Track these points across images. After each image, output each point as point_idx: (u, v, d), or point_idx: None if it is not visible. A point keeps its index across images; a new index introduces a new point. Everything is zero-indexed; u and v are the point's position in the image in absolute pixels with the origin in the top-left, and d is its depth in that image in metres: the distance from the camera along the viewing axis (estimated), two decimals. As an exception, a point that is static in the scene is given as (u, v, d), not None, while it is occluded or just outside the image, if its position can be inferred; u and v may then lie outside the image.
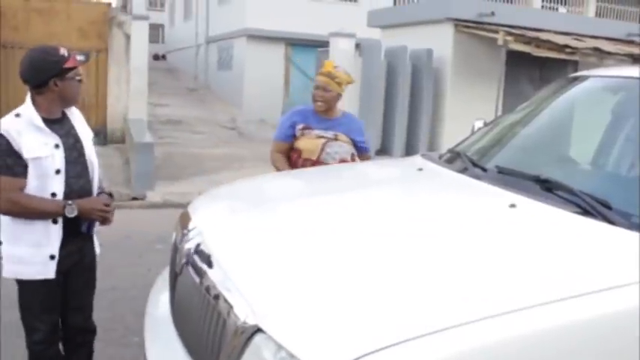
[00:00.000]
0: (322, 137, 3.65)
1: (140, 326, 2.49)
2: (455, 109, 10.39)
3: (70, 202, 2.57)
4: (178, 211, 2.82)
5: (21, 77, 2.64)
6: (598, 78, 2.99)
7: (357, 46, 11.20)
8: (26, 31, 10.17)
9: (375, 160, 3.47)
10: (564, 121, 2.99)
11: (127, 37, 10.55)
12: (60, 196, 2.59)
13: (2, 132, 2.50)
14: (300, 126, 3.70)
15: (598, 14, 14.61)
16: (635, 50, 10.13)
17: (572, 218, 1.99)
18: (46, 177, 2.56)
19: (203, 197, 2.84)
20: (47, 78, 2.57)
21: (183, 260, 2.18)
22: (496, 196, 2.26)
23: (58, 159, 2.59)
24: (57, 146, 2.59)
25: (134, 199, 7.70)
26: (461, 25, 10.24)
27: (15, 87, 10.07)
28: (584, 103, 3.04)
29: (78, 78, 2.68)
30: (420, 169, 2.81)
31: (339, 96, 3.73)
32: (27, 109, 2.60)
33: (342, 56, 10.92)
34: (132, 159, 8.52)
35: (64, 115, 2.73)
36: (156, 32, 31.39)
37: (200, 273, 2.00)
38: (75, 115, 2.80)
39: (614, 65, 8.80)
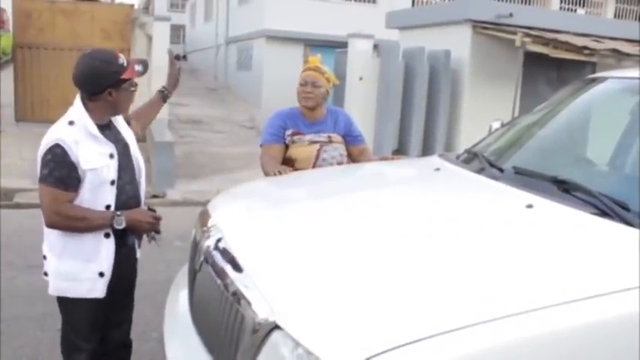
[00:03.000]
0: (316, 142, 3.41)
1: (159, 321, 2.51)
2: (472, 109, 10.34)
3: (118, 212, 2.44)
4: (198, 209, 2.85)
5: (75, 82, 2.47)
6: (616, 79, 2.96)
7: (375, 47, 11.18)
8: (52, 32, 10.30)
9: (392, 160, 3.45)
10: (582, 123, 2.97)
11: (149, 37, 10.64)
12: (112, 207, 2.46)
13: (59, 141, 2.33)
14: (289, 131, 3.43)
15: (617, 15, 14.46)
16: (654, 52, 10.01)
17: (589, 219, 1.99)
18: (100, 188, 2.43)
19: (222, 196, 2.87)
20: (103, 88, 2.43)
21: (203, 258, 2.21)
22: (513, 197, 2.26)
23: (113, 169, 2.47)
24: (112, 156, 2.46)
25: (154, 196, 7.76)
26: (479, 26, 10.19)
27: (41, 87, 10.25)
28: (601, 105, 3.02)
29: (132, 88, 2.54)
30: (438, 169, 2.81)
31: (327, 93, 3.48)
32: (80, 115, 2.44)
33: (360, 57, 10.94)
34: (153, 157, 8.59)
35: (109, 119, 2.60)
36: (177, 33, 31.58)
37: (219, 270, 2.02)
38: (119, 120, 2.66)
39: (632, 67, 8.71)
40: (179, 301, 2.50)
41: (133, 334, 2.86)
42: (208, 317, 2.03)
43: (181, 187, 8.16)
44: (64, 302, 2.53)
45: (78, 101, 2.47)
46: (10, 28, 10.93)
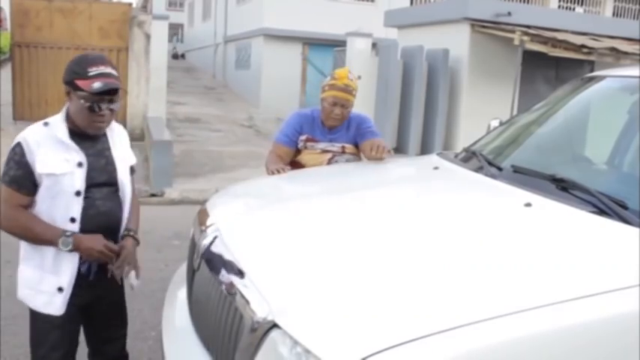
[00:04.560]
0: (328, 152, 3.36)
1: (158, 320, 2.52)
2: (471, 108, 10.36)
3: (68, 232, 2.22)
4: (196, 207, 2.85)
5: None
6: (614, 78, 2.97)
7: (374, 45, 11.20)
8: (49, 31, 10.29)
9: (391, 159, 3.45)
10: (580, 121, 2.97)
11: (147, 36, 10.64)
12: (78, 222, 2.26)
13: (20, 140, 2.23)
14: (303, 137, 3.38)
15: (615, 14, 14.48)
16: (653, 50, 10.03)
17: (587, 218, 1.99)
18: (62, 197, 2.24)
19: (221, 194, 2.87)
20: (65, 84, 2.28)
21: (201, 256, 2.21)
22: (511, 195, 2.26)
23: (79, 179, 2.26)
24: (80, 164, 2.27)
25: (153, 195, 7.76)
26: (477, 24, 10.20)
27: (39, 86, 10.24)
28: (600, 103, 3.02)
29: (86, 104, 2.23)
30: (436, 168, 2.82)
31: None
32: (58, 118, 2.32)
33: (358, 56, 10.96)
34: (151, 156, 8.59)
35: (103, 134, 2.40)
36: (175, 32, 31.58)
37: (217, 269, 2.02)
38: (117, 136, 2.48)
39: (630, 65, 8.72)
40: (177, 299, 2.49)
41: (131, 333, 2.86)
42: (207, 316, 2.03)
43: (179, 186, 8.16)
44: (30, 311, 2.38)
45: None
46: (8, 26, 10.90)
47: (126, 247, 2.37)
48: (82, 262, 2.29)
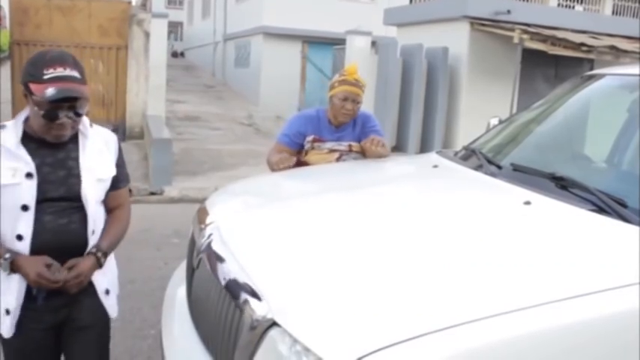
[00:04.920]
0: (335, 151, 3.35)
1: (157, 318, 2.52)
2: (470, 106, 10.36)
3: (7, 255, 1.98)
4: (195, 206, 2.85)
5: None
6: (614, 76, 2.97)
7: (373, 43, 11.21)
8: (48, 29, 10.29)
9: (390, 157, 3.44)
10: (579, 119, 2.98)
11: (147, 34, 10.63)
12: (27, 239, 2.00)
13: None
14: (310, 137, 3.35)
15: (614, 12, 14.47)
16: (652, 48, 10.03)
17: (586, 216, 2.00)
18: (8, 212, 1.99)
19: (220, 192, 2.86)
20: (21, 82, 2.02)
21: (200, 254, 2.20)
22: (511, 194, 2.26)
23: (27, 191, 1.99)
24: (29, 175, 2.00)
25: (152, 193, 7.76)
26: (477, 23, 10.20)
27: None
28: (599, 101, 3.03)
29: (40, 111, 1.96)
30: (436, 166, 2.82)
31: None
32: (15, 121, 2.07)
33: (358, 54, 10.95)
34: (150, 154, 8.59)
35: (72, 137, 2.11)
36: (175, 30, 31.55)
37: (216, 267, 2.02)
38: (94, 143, 2.16)
39: (630, 63, 8.73)
40: (177, 298, 2.49)
41: (131, 332, 2.86)
42: (206, 314, 2.03)
43: (179, 184, 8.16)
44: None
45: None
46: (7, 24, 10.90)
47: (78, 268, 2.06)
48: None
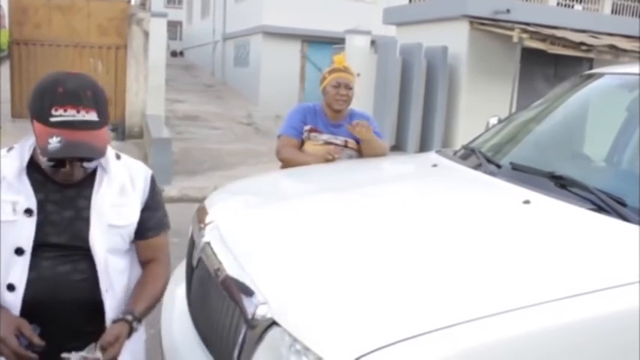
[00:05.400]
0: (331, 144, 3.32)
1: (157, 318, 2.51)
2: (469, 105, 10.36)
3: None
4: (195, 205, 2.84)
5: None
6: (613, 75, 2.97)
7: (373, 43, 11.20)
8: (48, 28, 10.27)
9: (389, 156, 3.44)
10: (579, 119, 2.98)
11: (146, 34, 10.63)
12: (20, 290, 1.65)
13: None
14: (307, 127, 3.36)
15: (614, 11, 14.46)
16: (651, 48, 10.04)
17: (586, 215, 2.00)
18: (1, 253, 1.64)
19: (220, 192, 2.86)
20: (28, 108, 1.67)
21: (200, 254, 2.21)
22: (510, 193, 2.26)
23: (24, 232, 1.64)
24: (28, 212, 1.64)
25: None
26: (476, 22, 10.19)
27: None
28: (598, 101, 3.03)
29: (44, 158, 1.61)
30: (435, 165, 2.82)
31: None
32: (22, 145, 1.73)
33: (357, 53, 10.94)
34: (150, 154, 8.58)
35: (93, 173, 1.75)
36: (174, 29, 31.50)
37: (216, 267, 2.02)
38: (116, 180, 1.78)
39: (629, 62, 8.73)
40: (176, 297, 2.49)
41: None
42: (206, 313, 2.03)
43: (178, 184, 8.15)
44: None
45: None
46: (7, 24, 10.89)
47: (115, 347, 1.65)
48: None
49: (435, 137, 10.64)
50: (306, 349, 1.46)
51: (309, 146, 3.35)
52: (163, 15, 11.22)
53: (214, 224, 2.29)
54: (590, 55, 9.50)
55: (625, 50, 9.55)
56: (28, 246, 1.65)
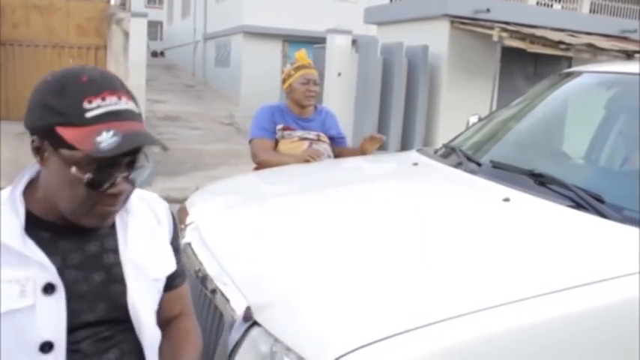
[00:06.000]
0: (305, 139, 3.32)
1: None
2: (450, 104, 10.40)
3: None
4: (176, 206, 2.82)
5: None
6: (591, 74, 3.00)
7: (354, 42, 11.20)
8: (26, 28, 10.15)
9: (370, 155, 3.45)
10: (558, 117, 3.00)
11: (126, 34, 10.55)
12: None
13: None
14: (279, 126, 3.32)
15: (592, 11, 14.61)
16: (628, 46, 10.15)
17: (565, 212, 2.02)
18: (16, 356, 1.15)
19: (200, 192, 2.85)
20: (31, 129, 1.22)
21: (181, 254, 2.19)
22: (490, 191, 2.27)
23: (50, 319, 1.16)
24: (49, 289, 1.16)
25: (132, 195, 7.71)
26: (457, 21, 10.24)
27: (15, 85, 10.09)
28: (577, 99, 3.05)
29: (75, 172, 1.14)
30: (416, 164, 2.82)
31: None
32: (11, 193, 1.21)
33: (338, 53, 10.94)
34: (130, 155, 8.52)
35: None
36: (154, 29, 31.29)
37: (197, 267, 2.01)
38: (139, 221, 1.36)
39: (607, 61, 8.83)
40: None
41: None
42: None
43: (160, 184, 8.10)
44: None
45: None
46: (-17, 24, 10.74)
47: None
48: None
49: (416, 136, 10.67)
50: (288, 349, 1.46)
51: (284, 145, 3.32)
52: (143, 15, 11.13)
53: (195, 225, 2.28)
54: (569, 53, 9.59)
55: (603, 49, 9.66)
56: (59, 337, 1.17)
